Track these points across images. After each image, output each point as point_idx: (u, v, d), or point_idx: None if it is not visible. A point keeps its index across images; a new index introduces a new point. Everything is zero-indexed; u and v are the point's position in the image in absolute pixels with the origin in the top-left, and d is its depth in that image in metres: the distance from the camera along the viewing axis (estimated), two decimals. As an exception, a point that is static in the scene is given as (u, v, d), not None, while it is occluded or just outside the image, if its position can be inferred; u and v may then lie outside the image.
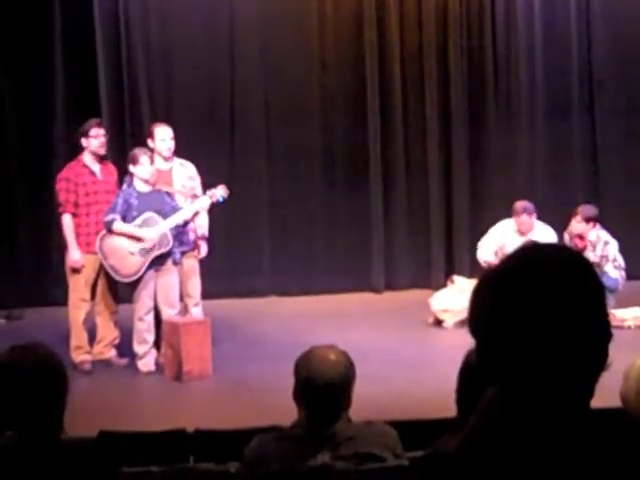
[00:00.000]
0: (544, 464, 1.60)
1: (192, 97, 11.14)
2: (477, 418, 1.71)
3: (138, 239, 7.96)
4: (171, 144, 8.40)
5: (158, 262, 8.02)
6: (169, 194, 8.22)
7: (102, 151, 8.35)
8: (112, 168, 8.53)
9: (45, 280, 10.64)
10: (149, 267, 7.99)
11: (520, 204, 9.70)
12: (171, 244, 8.02)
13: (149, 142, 8.40)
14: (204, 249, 8.53)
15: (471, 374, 3.01)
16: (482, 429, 1.68)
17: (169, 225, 8.02)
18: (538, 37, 11.66)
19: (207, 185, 8.41)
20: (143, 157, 8.04)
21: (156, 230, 7.98)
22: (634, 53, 11.70)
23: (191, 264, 8.42)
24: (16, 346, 3.08)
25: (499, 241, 9.59)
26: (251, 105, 11.30)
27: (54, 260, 9.96)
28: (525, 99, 11.68)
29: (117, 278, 8.10)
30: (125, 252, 7.98)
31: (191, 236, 8.37)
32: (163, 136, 8.38)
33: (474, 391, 1.85)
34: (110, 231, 7.98)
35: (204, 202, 8.20)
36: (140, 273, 7.99)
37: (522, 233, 9.57)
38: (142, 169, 8.02)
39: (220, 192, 8.19)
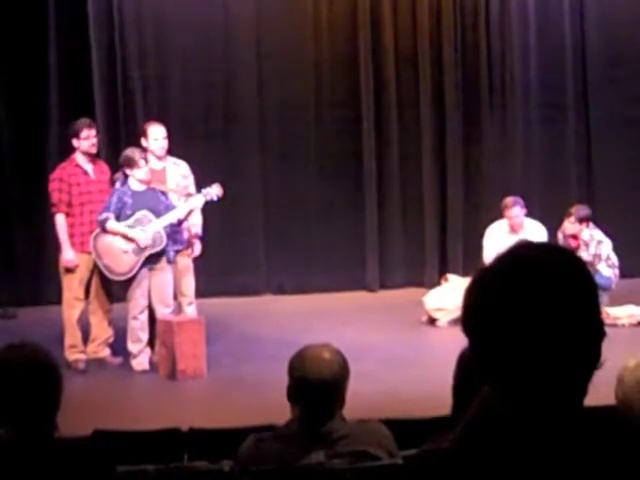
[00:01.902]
0: (538, 462, 1.61)
1: (186, 96, 11.14)
2: (471, 416, 1.71)
3: (131, 239, 7.97)
4: (164, 143, 8.39)
5: (152, 261, 8.02)
6: (163, 193, 8.21)
7: (93, 150, 8.36)
8: (104, 167, 8.52)
9: (39, 279, 10.62)
10: (142, 265, 7.99)
11: (510, 198, 9.71)
12: (165, 243, 8.02)
13: (142, 141, 8.39)
14: (198, 248, 8.53)
15: (466, 373, 3.02)
16: (476, 427, 1.68)
17: (163, 224, 8.01)
18: (532, 37, 11.67)
19: (201, 184, 8.40)
20: (141, 161, 8.03)
21: (150, 230, 7.97)
22: (628, 53, 11.72)
23: (185, 263, 8.41)
24: (10, 345, 3.08)
25: (497, 243, 9.54)
26: (246, 104, 11.29)
27: (48, 259, 9.94)
28: (520, 99, 11.69)
29: (111, 277, 8.10)
30: (119, 251, 7.97)
31: (185, 235, 8.37)
32: (156, 135, 8.37)
33: (470, 389, 1.85)
34: (104, 230, 7.98)
35: (198, 201, 8.19)
36: (134, 271, 7.98)
37: (514, 230, 9.54)
38: (139, 172, 8.02)
39: (214, 191, 8.19)
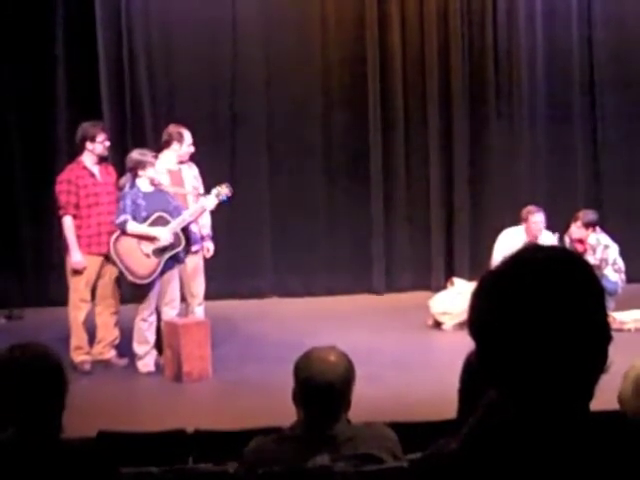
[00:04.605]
0: (543, 466, 1.60)
1: (194, 97, 11.13)
2: (476, 420, 1.71)
3: (152, 239, 7.97)
4: (193, 148, 8.48)
5: (169, 265, 8.02)
6: (169, 194, 8.22)
7: (106, 153, 8.42)
8: (111, 169, 8.53)
9: (46, 280, 10.65)
10: (164, 268, 7.99)
11: (531, 207, 9.64)
12: (183, 243, 8.04)
13: (175, 145, 8.38)
14: (211, 248, 8.55)
15: (472, 376, 3.01)
16: (481, 431, 1.68)
17: (180, 224, 8.03)
18: (539, 38, 11.66)
19: (208, 185, 8.41)
20: (153, 159, 8.07)
21: (169, 229, 7.98)
22: (636, 54, 11.70)
23: (196, 263, 8.42)
24: (15, 345, 3.08)
25: (510, 249, 9.45)
26: (253, 105, 11.29)
27: (55, 260, 9.96)
28: (526, 101, 11.67)
29: (132, 279, 8.04)
30: (140, 253, 7.97)
31: (198, 235, 8.39)
32: (190, 140, 8.44)
33: (476, 393, 1.85)
34: (124, 232, 7.97)
35: (211, 201, 8.19)
36: (155, 274, 7.98)
37: (532, 237, 9.46)
38: (153, 171, 8.05)
39: (225, 190, 8.20)
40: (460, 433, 1.72)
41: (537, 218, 9.54)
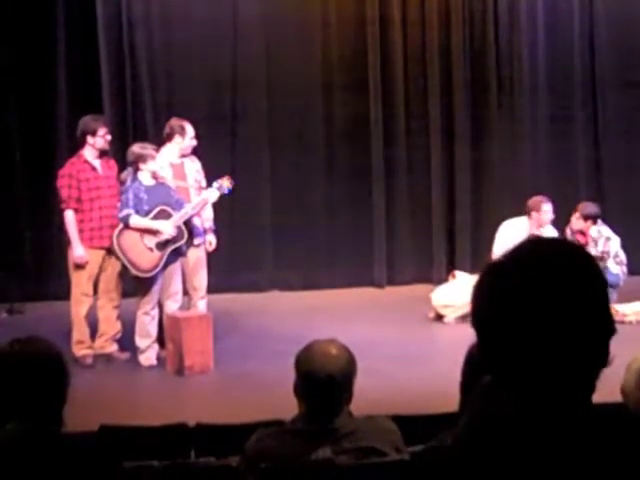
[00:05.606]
0: (543, 459, 1.60)
1: (194, 94, 11.12)
2: (474, 412, 1.70)
3: (155, 232, 7.96)
4: (195, 141, 8.48)
5: (173, 257, 8.03)
6: (170, 187, 8.22)
7: (107, 147, 8.40)
8: (112, 163, 8.52)
9: (47, 275, 10.64)
10: (167, 262, 7.99)
11: (540, 197, 9.62)
12: (186, 237, 8.04)
13: (177, 138, 8.37)
14: (214, 241, 8.55)
15: (474, 369, 3.01)
16: (480, 424, 1.67)
17: (182, 218, 8.03)
18: (541, 38, 11.65)
19: (209, 180, 8.41)
20: (154, 152, 8.07)
21: (172, 222, 7.98)
22: (637, 48, 11.69)
23: (199, 257, 8.42)
24: (17, 340, 3.08)
25: (514, 240, 9.40)
26: (253, 102, 11.28)
27: (55, 255, 9.96)
28: (527, 95, 11.67)
29: (136, 273, 8.03)
30: (143, 247, 7.97)
31: (201, 228, 8.39)
32: (192, 134, 8.43)
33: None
34: (127, 226, 7.97)
35: (213, 194, 8.20)
36: (159, 268, 7.98)
37: (541, 226, 9.46)
38: (154, 164, 8.05)
39: (226, 183, 8.21)
40: (458, 425, 1.71)
41: (547, 207, 9.54)
